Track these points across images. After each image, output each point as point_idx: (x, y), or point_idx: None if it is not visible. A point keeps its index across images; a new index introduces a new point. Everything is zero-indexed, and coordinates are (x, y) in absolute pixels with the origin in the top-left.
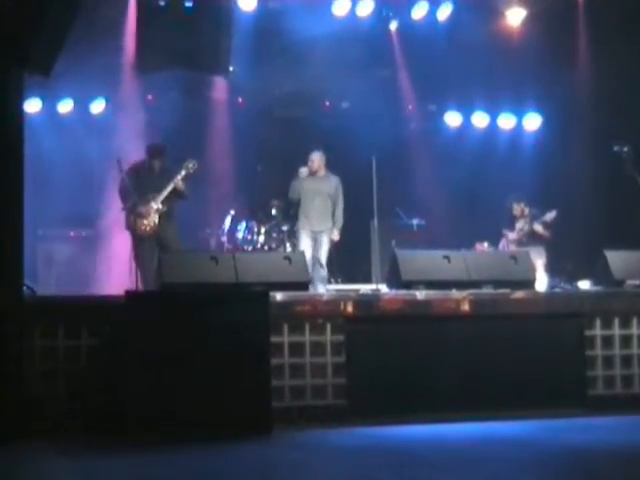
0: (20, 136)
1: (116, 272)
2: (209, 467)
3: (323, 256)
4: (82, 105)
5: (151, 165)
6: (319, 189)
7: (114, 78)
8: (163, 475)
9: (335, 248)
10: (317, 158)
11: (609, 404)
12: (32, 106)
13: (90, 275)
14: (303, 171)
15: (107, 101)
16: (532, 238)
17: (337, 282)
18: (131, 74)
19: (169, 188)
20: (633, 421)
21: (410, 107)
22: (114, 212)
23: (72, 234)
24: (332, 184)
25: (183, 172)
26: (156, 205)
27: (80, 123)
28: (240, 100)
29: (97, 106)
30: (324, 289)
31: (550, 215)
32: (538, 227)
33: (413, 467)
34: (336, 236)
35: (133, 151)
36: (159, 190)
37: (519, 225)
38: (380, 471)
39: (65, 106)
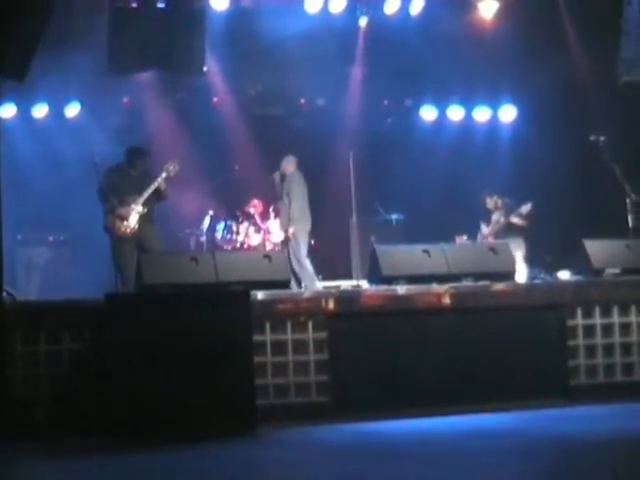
0: None
1: (96, 275)
2: (194, 467)
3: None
4: (57, 109)
5: (131, 167)
6: (284, 191)
7: (88, 81)
8: (148, 476)
9: (315, 245)
10: (283, 163)
11: (592, 393)
12: (7, 111)
13: (70, 279)
14: (275, 176)
15: (82, 105)
16: (510, 230)
17: (318, 279)
18: (105, 77)
19: (150, 190)
20: (616, 410)
21: (386, 102)
22: (92, 215)
23: (51, 238)
24: (288, 181)
25: (164, 174)
26: (136, 207)
27: (55, 127)
28: (215, 100)
29: (72, 110)
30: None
31: (525, 207)
32: (515, 219)
33: (399, 462)
34: (289, 231)
35: (109, 154)
36: (139, 192)
37: (494, 217)
38: (366, 467)
39: (40, 111)
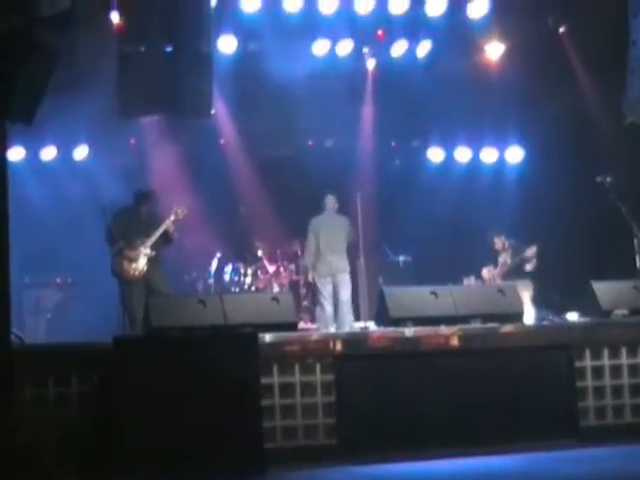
0: (4, 185)
1: (104, 317)
2: None
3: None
4: (65, 151)
5: (138, 210)
6: None
7: (96, 124)
8: None
9: None
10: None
11: (601, 435)
12: (15, 154)
13: (78, 321)
14: None
15: (90, 147)
16: (517, 271)
17: (333, 324)
18: (113, 119)
19: (158, 233)
20: (625, 451)
21: (393, 144)
22: (100, 257)
23: (58, 280)
24: None
25: (172, 217)
26: (145, 250)
27: (64, 169)
28: (222, 142)
29: (80, 152)
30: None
31: (530, 250)
32: (524, 262)
33: None
34: (308, 276)
35: (117, 196)
36: (147, 235)
37: (501, 259)
38: None
39: (48, 153)
